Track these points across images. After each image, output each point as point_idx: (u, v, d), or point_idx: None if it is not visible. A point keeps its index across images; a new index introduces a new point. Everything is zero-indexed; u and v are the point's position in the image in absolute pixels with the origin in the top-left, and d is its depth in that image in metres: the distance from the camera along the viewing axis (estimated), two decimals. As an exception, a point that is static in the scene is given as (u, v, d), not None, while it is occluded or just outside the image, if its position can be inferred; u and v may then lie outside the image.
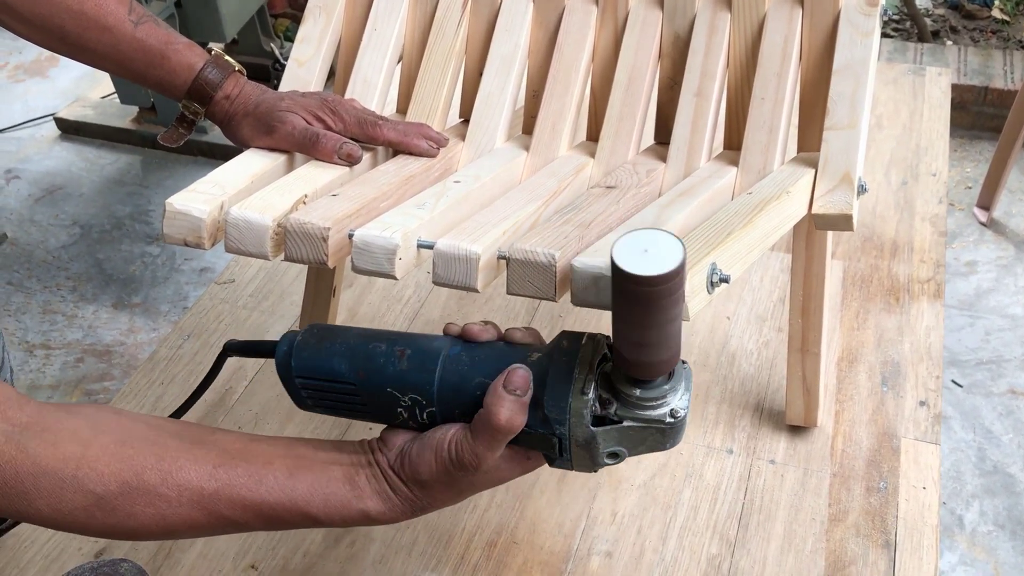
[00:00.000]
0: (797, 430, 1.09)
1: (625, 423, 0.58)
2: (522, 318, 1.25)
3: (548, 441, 0.60)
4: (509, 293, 0.71)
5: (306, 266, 1.23)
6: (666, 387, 0.59)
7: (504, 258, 0.71)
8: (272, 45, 2.78)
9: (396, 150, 0.91)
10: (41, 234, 2.45)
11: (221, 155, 2.53)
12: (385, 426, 0.66)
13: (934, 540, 0.97)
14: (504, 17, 0.99)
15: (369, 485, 0.61)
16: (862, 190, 0.85)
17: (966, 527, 1.61)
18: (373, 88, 1.00)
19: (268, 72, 2.81)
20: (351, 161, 0.86)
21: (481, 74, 0.98)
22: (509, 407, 0.58)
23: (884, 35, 2.90)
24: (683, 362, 0.61)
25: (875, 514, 1.00)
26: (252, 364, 1.21)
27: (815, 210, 0.84)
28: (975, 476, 1.74)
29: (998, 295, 2.12)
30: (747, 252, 0.74)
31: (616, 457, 0.60)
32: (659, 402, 0.58)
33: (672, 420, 0.58)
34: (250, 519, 0.59)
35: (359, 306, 1.29)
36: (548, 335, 1.22)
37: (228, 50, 2.86)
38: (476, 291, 0.71)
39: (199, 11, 2.35)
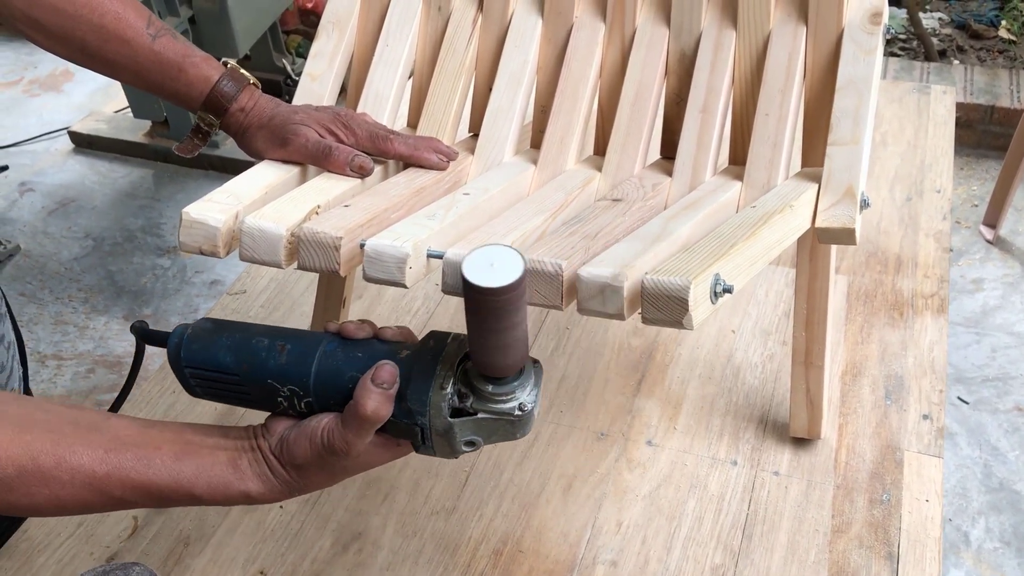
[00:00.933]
0: (801, 442, 1.10)
1: (479, 415, 0.64)
2: (529, 329, 1.27)
3: (411, 430, 0.65)
4: (517, 302, 0.73)
5: (316, 278, 1.24)
6: (515, 384, 0.64)
7: (512, 268, 0.72)
8: (284, 61, 2.81)
9: (407, 163, 0.93)
10: (54, 246, 2.47)
11: (233, 169, 2.56)
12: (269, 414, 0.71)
13: (937, 552, 0.98)
14: (513, 34, 1.01)
15: (251, 468, 0.66)
16: (865, 205, 0.86)
17: (972, 544, 1.61)
18: (384, 103, 1.02)
19: (280, 88, 2.84)
20: (363, 173, 0.88)
21: (490, 89, 1.00)
22: (376, 399, 0.63)
23: (891, 54, 2.92)
24: (535, 361, 0.66)
25: (878, 526, 1.01)
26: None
27: (818, 224, 0.85)
28: (981, 493, 1.74)
29: (1004, 312, 2.12)
30: (750, 264, 0.76)
31: (473, 445, 0.66)
32: (509, 397, 0.64)
33: (520, 413, 0.64)
34: (139, 498, 0.64)
35: (368, 317, 1.30)
36: (555, 346, 1.23)
37: (241, 65, 2.89)
38: (484, 300, 0.73)
39: (212, 27, 2.39)
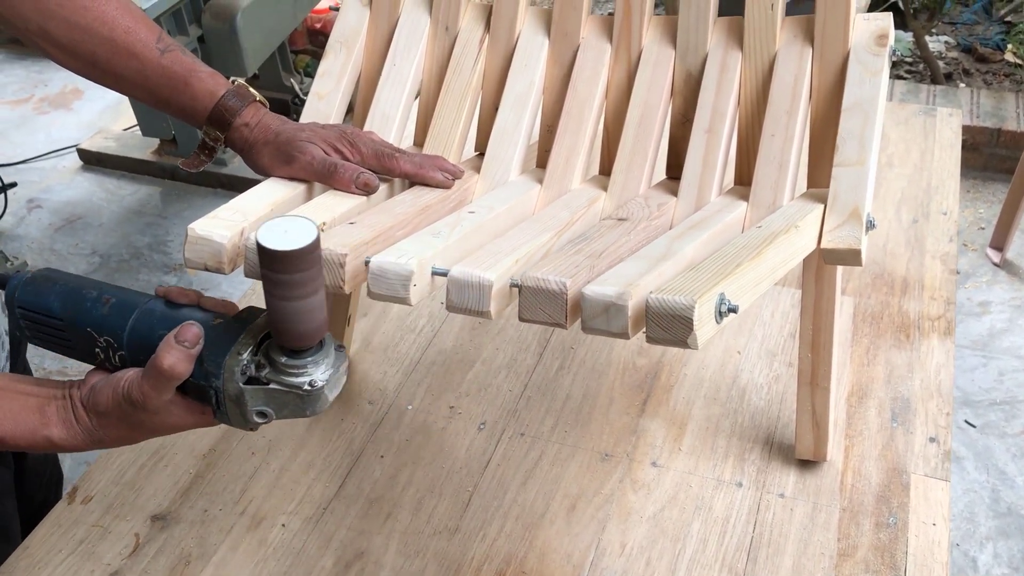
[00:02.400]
0: (807, 464, 1.09)
1: (271, 385, 0.67)
2: (534, 348, 1.26)
3: (207, 393, 0.69)
4: (521, 320, 0.73)
5: (322, 295, 1.25)
6: (309, 359, 0.67)
7: (516, 286, 0.72)
8: (292, 80, 2.83)
9: (412, 181, 0.93)
10: (61, 263, 2.48)
11: (240, 187, 2.57)
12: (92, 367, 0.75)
13: (944, 577, 0.97)
14: (520, 54, 1.02)
15: (57, 415, 0.70)
16: (871, 226, 0.86)
17: (980, 569, 1.60)
18: (391, 122, 1.02)
19: (288, 107, 2.86)
20: (368, 191, 0.88)
21: (497, 109, 1.01)
22: (175, 355, 0.66)
23: (898, 77, 2.92)
24: (340, 346, 0.70)
25: (884, 550, 1.00)
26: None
27: (824, 245, 0.85)
28: (989, 518, 1.73)
29: (1012, 336, 2.11)
30: (755, 284, 0.76)
31: (264, 416, 0.69)
32: (301, 371, 0.67)
33: (310, 388, 0.67)
34: None
35: (373, 335, 1.31)
36: (560, 365, 1.23)
37: (248, 84, 2.92)
38: (489, 317, 0.73)
39: (222, 46, 2.41)
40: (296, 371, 0.67)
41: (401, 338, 1.30)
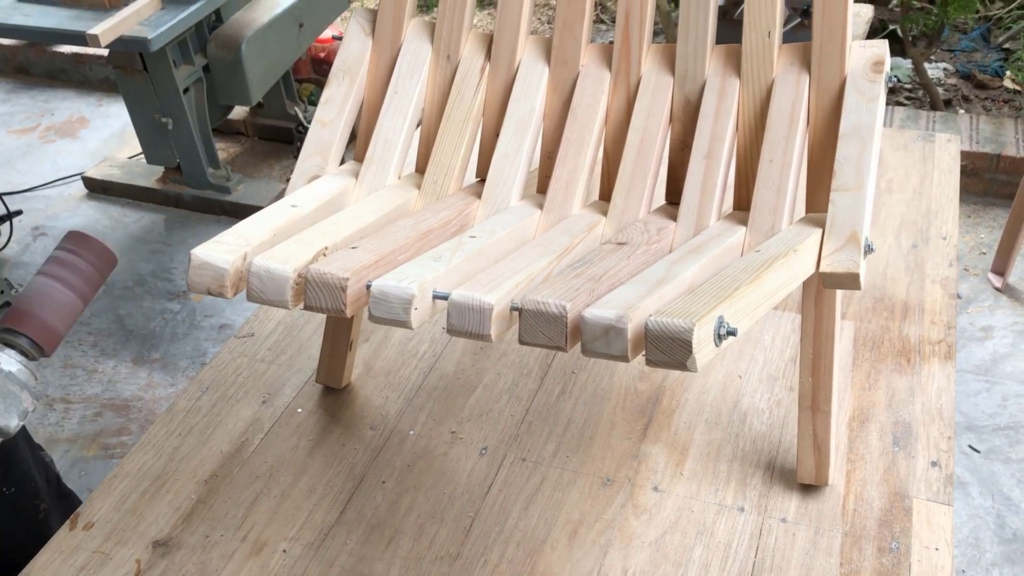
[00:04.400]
0: (809, 489, 1.09)
1: None
2: (536, 373, 1.27)
3: None
4: (521, 343, 0.73)
5: (324, 321, 1.25)
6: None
7: (517, 309, 0.73)
8: (296, 109, 2.85)
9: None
10: (65, 290, 2.49)
11: (243, 215, 2.58)
12: None
13: (948, 602, 0.97)
14: (520, 82, 1.03)
15: None
16: (869, 250, 0.87)
17: (985, 595, 1.59)
18: (393, 149, 1.03)
19: (291, 135, 2.88)
20: None
21: (498, 136, 1.02)
22: None
23: (898, 103, 2.94)
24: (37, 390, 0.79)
25: (887, 575, 1.00)
26: (268, 417, 1.23)
27: (823, 269, 0.86)
28: (994, 544, 1.72)
29: (1015, 360, 2.11)
30: (754, 308, 0.76)
31: None
32: None
33: None
34: None
35: (375, 360, 1.31)
36: (561, 389, 1.23)
37: (253, 113, 2.94)
38: (490, 340, 0.73)
39: (226, 75, 2.43)
40: None
41: (403, 363, 1.30)
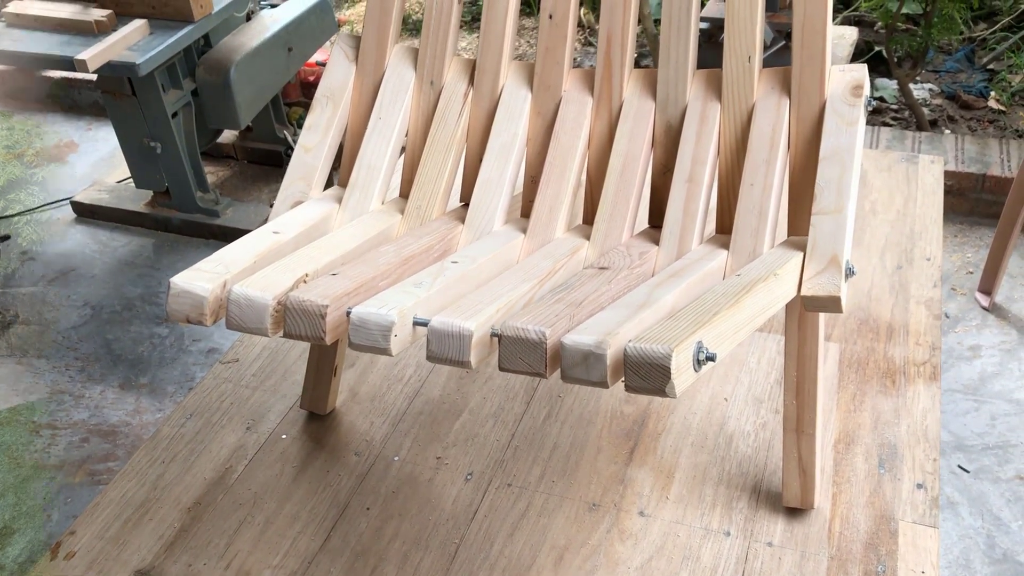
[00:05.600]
0: (795, 512, 1.08)
1: None
2: (521, 397, 1.26)
3: None
4: (501, 369, 0.73)
5: (309, 346, 1.25)
6: None
7: (496, 335, 0.73)
8: (285, 132, 2.86)
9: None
10: (52, 314, 2.48)
11: (232, 239, 2.58)
12: None
13: (935, 626, 0.96)
14: (503, 107, 1.03)
15: None
16: (850, 273, 0.87)
17: (976, 617, 1.58)
18: (377, 173, 1.04)
19: (281, 159, 2.89)
20: None
21: (481, 160, 1.02)
22: None
23: (883, 124, 2.96)
24: None
25: (875, 599, 0.99)
26: (252, 443, 1.22)
27: (804, 292, 0.86)
28: (985, 564, 1.71)
29: (1003, 379, 2.11)
30: (735, 332, 0.76)
31: None
32: None
33: None
34: None
35: (360, 385, 1.30)
36: (547, 413, 1.23)
37: (243, 137, 2.94)
38: (470, 367, 0.73)
39: (215, 99, 2.44)
40: None
41: (388, 388, 1.30)
